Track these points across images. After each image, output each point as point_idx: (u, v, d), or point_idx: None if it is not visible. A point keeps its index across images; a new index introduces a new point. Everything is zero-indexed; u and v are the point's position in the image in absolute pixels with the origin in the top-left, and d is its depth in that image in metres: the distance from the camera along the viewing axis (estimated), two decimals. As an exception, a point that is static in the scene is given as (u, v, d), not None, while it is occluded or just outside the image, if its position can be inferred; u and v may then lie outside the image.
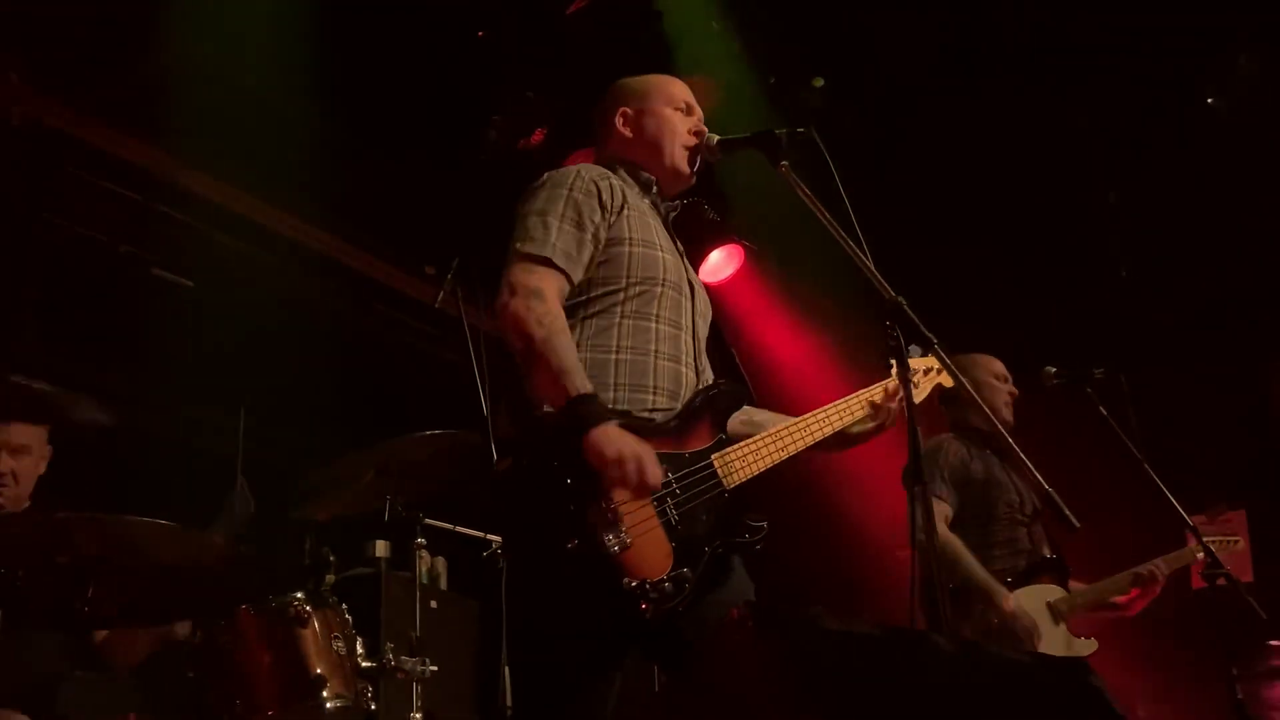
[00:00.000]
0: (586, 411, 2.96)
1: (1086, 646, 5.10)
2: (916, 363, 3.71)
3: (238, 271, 6.55)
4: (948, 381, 3.71)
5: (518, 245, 3.21)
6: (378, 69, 6.19)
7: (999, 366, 5.47)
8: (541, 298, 3.10)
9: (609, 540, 2.87)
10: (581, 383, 3.00)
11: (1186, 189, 6.94)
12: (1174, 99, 6.84)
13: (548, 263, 3.16)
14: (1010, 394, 5.39)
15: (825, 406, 3.48)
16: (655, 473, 2.95)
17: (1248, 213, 6.83)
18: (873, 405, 3.52)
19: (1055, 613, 5.09)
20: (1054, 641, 5.02)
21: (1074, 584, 5.23)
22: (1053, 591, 5.13)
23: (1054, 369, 5.29)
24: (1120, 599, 5.21)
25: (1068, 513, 3.15)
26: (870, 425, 3.54)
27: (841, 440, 3.52)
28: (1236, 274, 6.92)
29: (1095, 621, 5.22)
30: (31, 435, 4.41)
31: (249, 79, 5.96)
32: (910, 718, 1.93)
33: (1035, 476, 3.55)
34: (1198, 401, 6.82)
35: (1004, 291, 7.33)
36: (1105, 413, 5.02)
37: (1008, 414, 5.29)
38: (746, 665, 1.85)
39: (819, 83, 6.81)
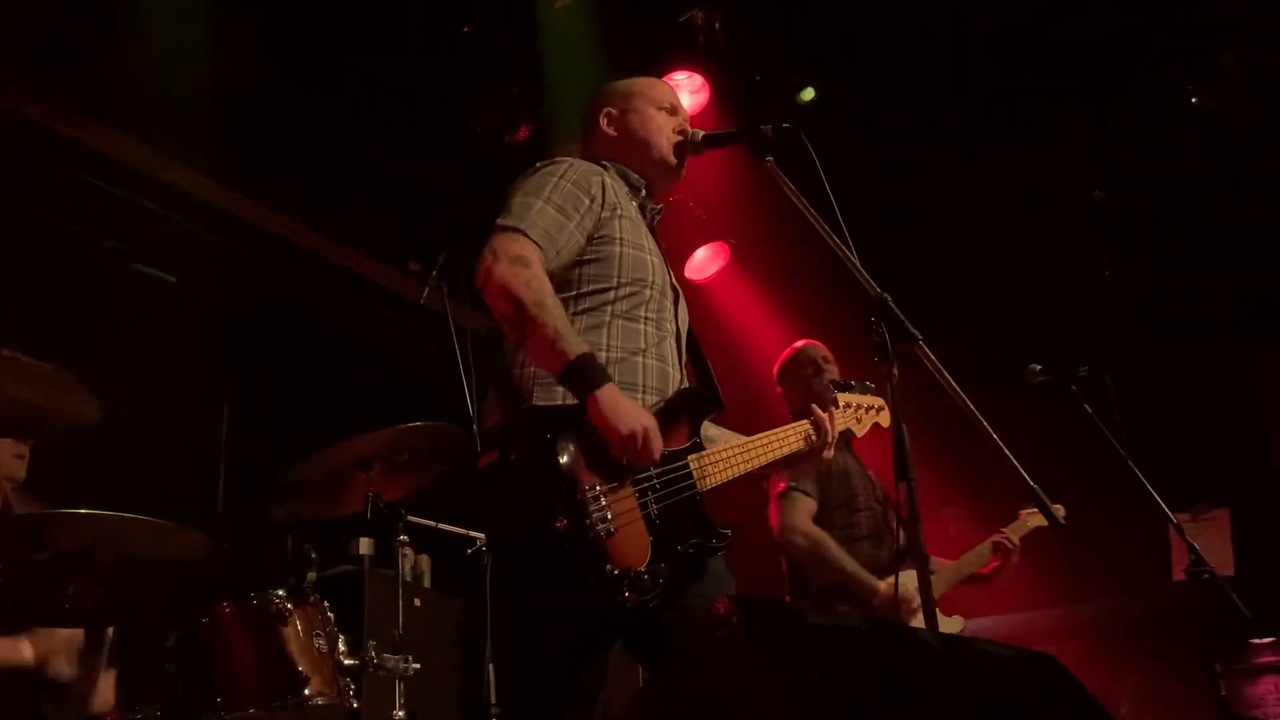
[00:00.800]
0: (590, 372, 2.98)
1: (955, 624, 5.30)
2: (861, 399, 3.79)
3: (220, 266, 6.52)
4: (885, 421, 3.79)
5: (499, 220, 3.21)
6: (363, 62, 6.17)
7: (821, 351, 5.52)
8: (526, 264, 3.09)
9: (597, 525, 2.88)
10: (577, 343, 3.01)
11: (1171, 187, 6.95)
12: (1159, 97, 6.85)
13: (526, 235, 3.15)
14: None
15: (776, 430, 3.50)
16: (658, 441, 2.98)
17: (1233, 210, 6.84)
18: (808, 437, 3.54)
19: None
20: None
21: (939, 560, 5.37)
22: (914, 576, 5.23)
23: (1038, 367, 5.29)
24: (982, 569, 5.38)
25: (1052, 510, 3.16)
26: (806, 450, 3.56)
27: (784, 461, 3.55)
28: (1221, 272, 6.93)
29: (964, 597, 5.43)
30: (22, 447, 4.39)
31: (231, 71, 5.93)
32: (895, 712, 1.92)
33: (1021, 473, 3.57)
34: (1182, 400, 6.83)
35: (988, 289, 7.34)
36: (1090, 411, 5.03)
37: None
38: (731, 659, 1.84)
39: (809, 95, 6.80)
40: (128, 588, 3.66)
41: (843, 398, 3.81)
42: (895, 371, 3.13)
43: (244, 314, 6.47)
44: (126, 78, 5.72)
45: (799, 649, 1.87)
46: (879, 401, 3.81)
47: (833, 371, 5.37)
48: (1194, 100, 6.89)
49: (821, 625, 1.93)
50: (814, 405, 3.61)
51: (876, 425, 3.86)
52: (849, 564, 5.09)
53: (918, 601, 4.96)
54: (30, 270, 5.74)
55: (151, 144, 6.21)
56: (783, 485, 5.24)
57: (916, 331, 3.08)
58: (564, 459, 2.93)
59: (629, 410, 2.97)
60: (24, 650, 4.07)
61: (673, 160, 3.56)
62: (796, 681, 1.78)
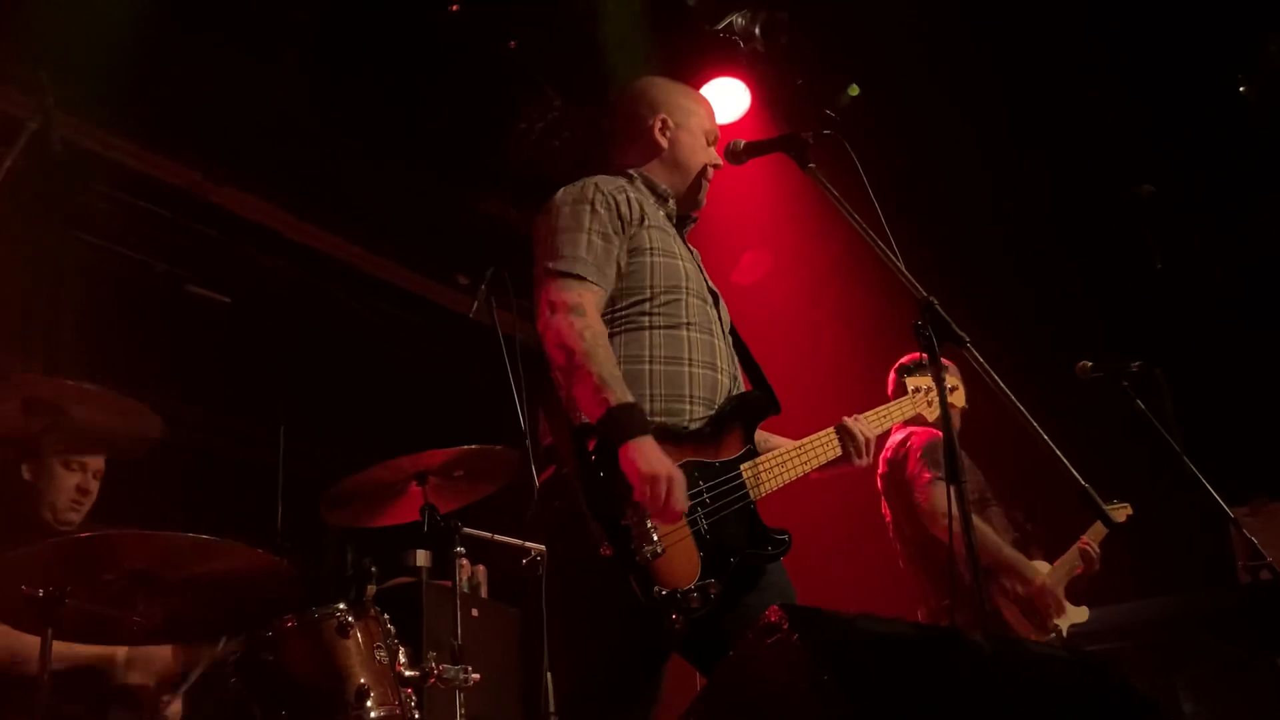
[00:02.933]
0: (626, 421, 2.97)
1: (1083, 613, 5.55)
2: (925, 380, 3.75)
3: (273, 287, 6.61)
4: (960, 400, 3.75)
5: (549, 264, 3.22)
6: (407, 79, 6.23)
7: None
8: (582, 312, 3.12)
9: (643, 548, 2.88)
10: (623, 393, 3.02)
11: (1219, 178, 6.88)
12: (1205, 88, 6.79)
13: (581, 279, 3.17)
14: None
15: (817, 434, 3.48)
16: (681, 500, 2.96)
17: (1281, 201, 6.78)
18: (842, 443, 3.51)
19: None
20: (1065, 613, 5.46)
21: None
22: (1044, 567, 5.51)
23: (1090, 363, 5.27)
24: (1077, 571, 5.57)
25: (1105, 509, 3.14)
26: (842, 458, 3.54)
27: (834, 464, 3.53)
28: (1272, 265, 6.86)
29: None
30: (98, 461, 4.48)
31: (279, 96, 6.01)
32: (948, 716, 1.93)
33: (1072, 472, 3.56)
34: (1236, 393, 6.76)
35: (1038, 286, 7.29)
36: (1142, 406, 5.00)
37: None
38: (782, 666, 1.86)
39: (854, 91, 6.80)
40: (193, 606, 3.71)
41: (911, 382, 3.78)
42: (944, 375, 3.15)
43: (297, 332, 6.55)
44: (177, 103, 5.81)
45: (849, 655, 1.89)
46: (953, 380, 3.75)
47: None
48: (1241, 89, 6.82)
49: (872, 631, 1.94)
50: (902, 362, 3.60)
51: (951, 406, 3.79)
52: (1009, 550, 5.31)
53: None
54: (85, 294, 5.84)
55: (202, 169, 6.30)
56: (929, 475, 5.27)
57: (963, 333, 3.09)
58: (608, 482, 2.94)
59: (656, 459, 2.94)
60: (118, 651, 4.14)
61: (700, 198, 3.60)
62: (847, 688, 1.79)
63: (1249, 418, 6.77)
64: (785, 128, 5.87)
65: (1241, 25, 6.49)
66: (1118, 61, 6.58)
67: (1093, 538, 5.56)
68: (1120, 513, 5.49)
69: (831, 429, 3.51)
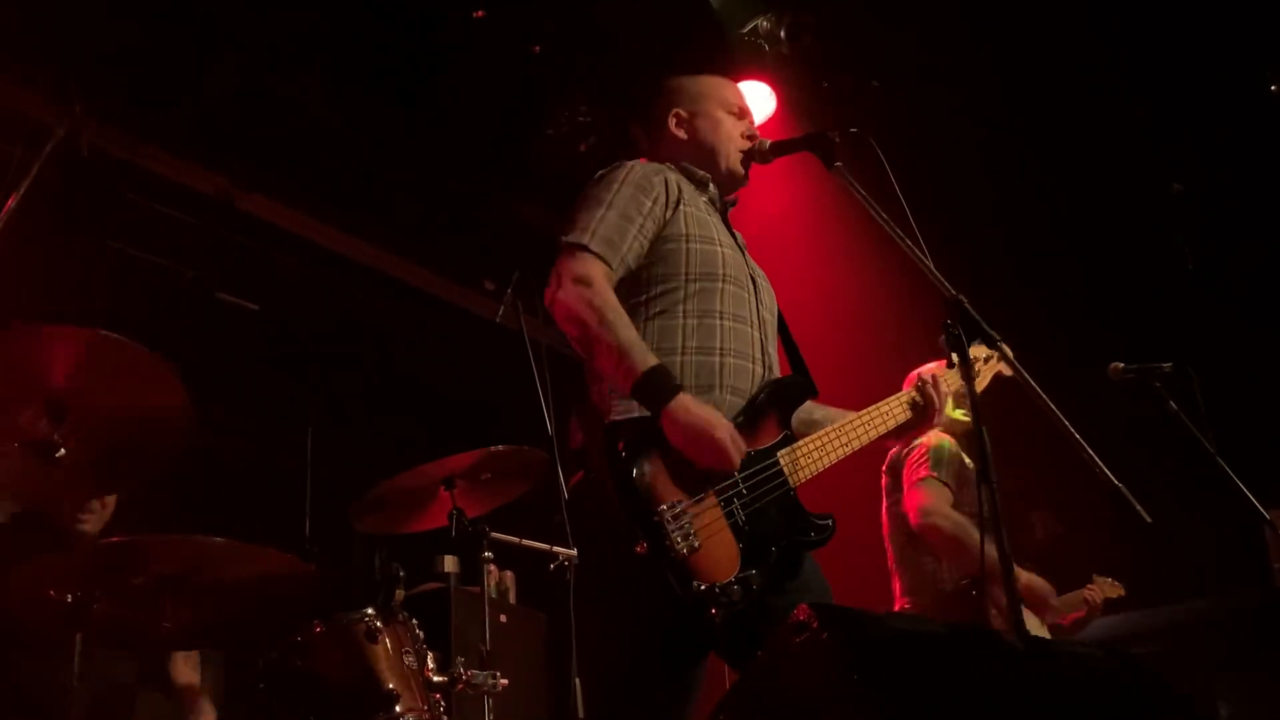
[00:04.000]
0: (657, 385, 2.95)
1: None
2: (973, 351, 3.68)
3: (301, 293, 6.63)
4: (1006, 370, 3.67)
5: (562, 236, 3.21)
6: (435, 88, 6.24)
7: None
8: (588, 282, 3.09)
9: (678, 543, 2.86)
10: (644, 357, 2.99)
11: (1250, 178, 6.82)
12: (1235, 86, 6.73)
13: (585, 249, 3.15)
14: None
15: (879, 404, 3.45)
16: (737, 442, 2.95)
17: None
18: (914, 404, 3.48)
19: None
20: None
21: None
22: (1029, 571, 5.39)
23: (1122, 364, 5.22)
24: (1064, 619, 5.50)
25: (1139, 508, 3.10)
26: (915, 418, 3.50)
27: (894, 432, 3.49)
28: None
29: None
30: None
31: (306, 102, 6.03)
32: (979, 716, 1.90)
33: (1105, 472, 3.53)
34: (1269, 394, 6.69)
35: (1069, 287, 7.24)
36: (1175, 407, 4.95)
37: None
38: (811, 665, 1.84)
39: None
40: (221, 610, 3.72)
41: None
42: (975, 374, 3.12)
43: (324, 338, 6.56)
44: (206, 110, 5.84)
45: (879, 654, 1.86)
46: (986, 351, 3.69)
47: None
48: (1273, 88, 6.76)
49: (902, 629, 1.92)
50: (920, 372, 3.57)
51: (999, 375, 3.72)
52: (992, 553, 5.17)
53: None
54: (116, 302, 5.87)
55: (231, 175, 6.32)
56: (924, 472, 5.22)
57: (994, 332, 3.06)
58: (640, 477, 2.91)
59: (704, 418, 2.94)
60: None
61: (740, 171, 3.55)
62: (877, 687, 1.77)
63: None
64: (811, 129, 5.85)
65: (1274, 23, 6.43)
66: (1150, 61, 6.53)
67: (1101, 584, 5.53)
68: (1114, 589, 5.48)
69: (905, 392, 3.49)
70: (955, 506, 5.16)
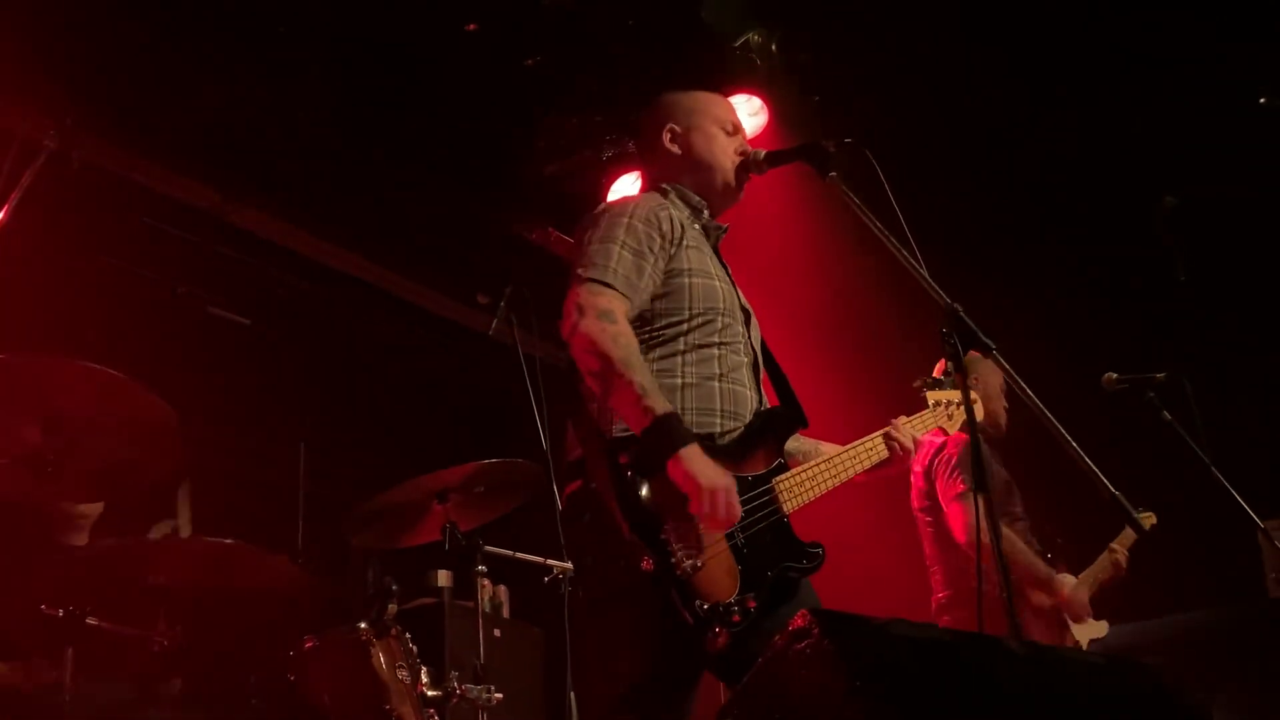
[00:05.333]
0: (674, 432, 2.96)
1: (1102, 628, 5.54)
2: (953, 394, 3.73)
3: (293, 307, 6.61)
4: (980, 414, 3.76)
5: (580, 271, 3.21)
6: (425, 99, 6.24)
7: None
8: (613, 318, 3.10)
9: (684, 562, 2.86)
10: (663, 402, 3.00)
11: (1242, 189, 6.83)
12: (1227, 99, 6.74)
13: (609, 286, 3.16)
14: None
15: (862, 440, 3.50)
16: (736, 506, 2.96)
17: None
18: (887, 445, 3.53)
19: None
20: (1085, 626, 5.49)
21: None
22: (1070, 579, 5.53)
23: (1115, 374, 5.23)
24: (1106, 579, 5.60)
25: (1136, 516, 3.11)
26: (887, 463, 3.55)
27: (879, 466, 3.54)
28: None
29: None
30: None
31: (299, 117, 6.02)
32: (984, 721, 1.89)
33: (1101, 480, 3.53)
34: (1262, 404, 6.70)
35: (1062, 297, 7.25)
36: (1169, 417, 4.95)
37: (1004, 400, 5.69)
38: (813, 672, 1.83)
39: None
40: (214, 624, 3.70)
41: (932, 396, 3.76)
42: (970, 384, 3.12)
43: (317, 352, 6.55)
44: (198, 125, 5.82)
45: (882, 660, 1.85)
46: (957, 395, 3.73)
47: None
48: (1262, 101, 6.77)
49: (905, 636, 1.91)
50: (898, 419, 3.60)
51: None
52: (1037, 563, 5.36)
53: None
54: (108, 316, 5.85)
55: (222, 189, 6.31)
56: (960, 486, 5.25)
57: (989, 340, 3.06)
58: (646, 495, 2.92)
59: (710, 471, 2.94)
60: None
61: (734, 183, 3.56)
62: (880, 693, 1.76)
63: (1277, 427, 6.71)
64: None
65: (1265, 37, 6.45)
66: (1142, 72, 6.55)
67: (1121, 544, 5.60)
68: (1146, 520, 5.47)
69: (879, 433, 3.53)
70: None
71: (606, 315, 3.10)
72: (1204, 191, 7.01)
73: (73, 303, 5.50)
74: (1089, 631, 5.49)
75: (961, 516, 5.23)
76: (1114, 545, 5.60)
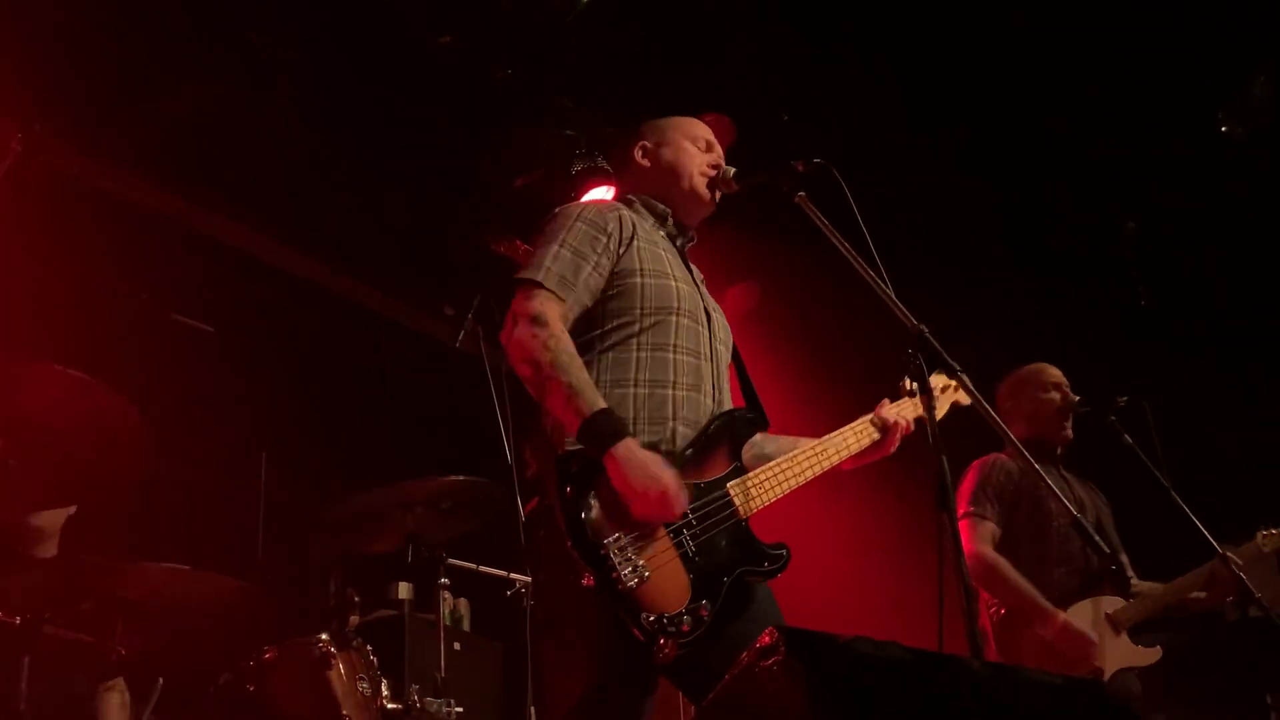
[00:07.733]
0: (604, 428, 2.96)
1: (1150, 655, 5.04)
2: (933, 379, 3.70)
3: (257, 315, 6.57)
4: (964, 399, 3.70)
5: (517, 274, 3.24)
6: (394, 110, 6.23)
7: (1052, 374, 5.46)
8: (543, 322, 3.11)
9: (625, 575, 2.86)
10: (594, 399, 3.01)
11: (1204, 215, 6.92)
12: (1189, 125, 6.83)
13: (541, 287, 3.17)
14: (1062, 399, 5.35)
15: (835, 432, 3.48)
16: (679, 493, 2.95)
17: (1267, 237, 6.80)
18: (877, 427, 3.51)
19: (1115, 623, 5.03)
20: (1117, 652, 4.98)
21: (1144, 584, 5.15)
22: (1113, 602, 5.06)
23: (1078, 398, 5.27)
24: (1194, 596, 5.10)
25: (1098, 540, 3.14)
26: (875, 445, 3.53)
27: (851, 460, 3.51)
28: (1258, 299, 6.88)
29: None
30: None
31: (265, 123, 6.00)
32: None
33: (1064, 504, 3.57)
34: (1223, 428, 6.77)
35: (1024, 321, 7.31)
36: (1130, 441, 4.99)
37: (1063, 421, 5.33)
38: (779, 690, 1.83)
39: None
40: (173, 635, 3.67)
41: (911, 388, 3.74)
42: (934, 403, 3.14)
43: (280, 361, 6.51)
44: (161, 130, 5.79)
45: (847, 677, 1.86)
46: (946, 380, 3.70)
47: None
48: (1224, 128, 6.86)
49: (869, 654, 1.92)
50: (883, 401, 3.58)
51: (956, 404, 3.71)
52: (1027, 591, 4.96)
53: (1095, 636, 4.91)
54: (68, 322, 5.79)
55: (186, 195, 6.27)
56: (963, 508, 5.16)
57: (955, 363, 3.08)
58: (586, 510, 2.92)
59: (646, 467, 2.94)
60: None
61: (704, 191, 3.58)
62: (845, 710, 1.76)
63: (1237, 452, 6.78)
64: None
65: (1227, 64, 6.53)
66: (1103, 98, 6.61)
67: (1243, 555, 4.98)
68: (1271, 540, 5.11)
69: (865, 418, 3.51)
70: (1008, 526, 5.14)
71: (536, 320, 3.10)
72: (1166, 216, 7.12)
73: (34, 308, 5.44)
74: (1122, 660, 4.99)
75: (964, 540, 5.05)
76: (1231, 555, 4.92)
